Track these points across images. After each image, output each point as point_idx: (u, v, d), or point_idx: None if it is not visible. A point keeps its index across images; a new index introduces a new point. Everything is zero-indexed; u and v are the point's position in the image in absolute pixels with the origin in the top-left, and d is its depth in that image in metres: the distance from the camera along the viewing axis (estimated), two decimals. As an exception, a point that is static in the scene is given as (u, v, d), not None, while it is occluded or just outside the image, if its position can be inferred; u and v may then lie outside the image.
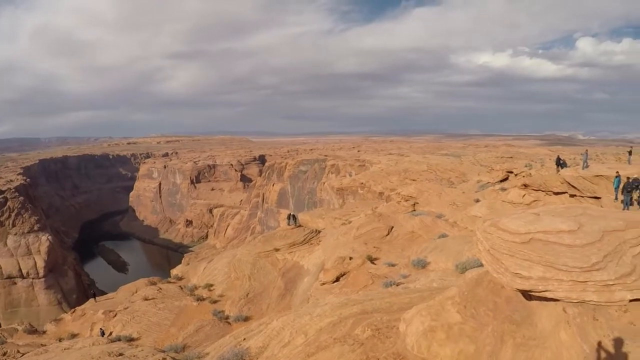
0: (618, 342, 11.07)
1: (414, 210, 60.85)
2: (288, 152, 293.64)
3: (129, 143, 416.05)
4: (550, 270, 11.76)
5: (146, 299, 53.33)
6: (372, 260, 41.09)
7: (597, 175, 42.56)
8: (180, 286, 60.29)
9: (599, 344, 11.17)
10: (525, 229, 12.89)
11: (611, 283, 11.56)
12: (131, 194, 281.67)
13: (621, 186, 34.56)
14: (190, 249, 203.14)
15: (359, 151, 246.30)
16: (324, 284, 39.91)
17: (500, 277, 12.79)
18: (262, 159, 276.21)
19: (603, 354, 10.98)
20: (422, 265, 35.07)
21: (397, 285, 29.54)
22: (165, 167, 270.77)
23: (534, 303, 12.91)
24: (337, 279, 39.38)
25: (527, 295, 12.82)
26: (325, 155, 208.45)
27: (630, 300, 11.71)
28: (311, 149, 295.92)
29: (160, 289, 58.57)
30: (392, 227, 49.45)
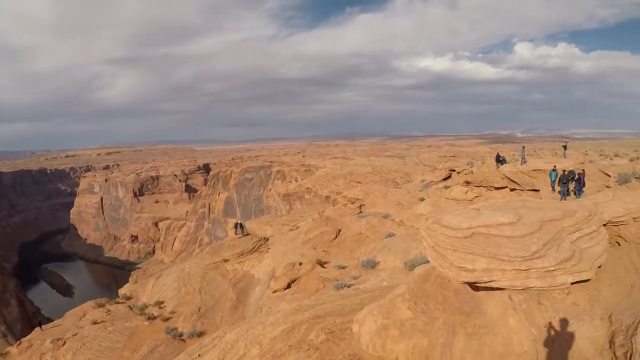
0: (563, 323, 11.72)
1: (361, 212, 61.43)
2: (233, 159, 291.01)
3: (67, 156, 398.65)
4: (494, 262, 12.26)
5: (95, 323, 51.30)
6: (321, 264, 41.23)
7: (535, 170, 44.04)
8: (129, 306, 58.26)
9: (546, 326, 11.73)
10: (467, 224, 13.42)
11: (552, 269, 12.13)
12: (72, 210, 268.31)
13: (557, 178, 35.96)
14: (138, 265, 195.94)
15: (304, 156, 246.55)
16: (275, 291, 39.78)
17: (446, 271, 13.21)
18: (206, 168, 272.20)
19: (551, 335, 11.54)
20: (371, 265, 35.41)
21: (348, 287, 29.73)
22: (106, 180, 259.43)
23: (481, 293, 13.31)
24: (289, 286, 39.32)
25: (474, 286, 13.20)
26: (271, 162, 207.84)
27: (572, 283, 12.40)
28: (256, 156, 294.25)
29: (109, 310, 56.58)
30: (340, 230, 49.78)
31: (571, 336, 11.40)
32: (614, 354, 10.55)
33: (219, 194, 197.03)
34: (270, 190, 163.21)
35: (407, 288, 15.78)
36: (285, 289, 39.21)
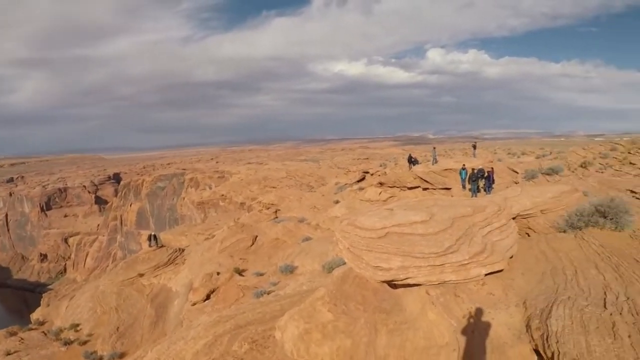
0: (481, 312, 12.21)
1: (277, 217, 61.45)
2: (144, 168, 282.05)
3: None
4: (408, 259, 12.66)
5: (9, 354, 47.77)
6: (240, 272, 40.81)
7: (446, 169, 45.71)
8: (43, 332, 54.65)
9: (464, 316, 12.18)
10: (380, 224, 13.82)
11: (466, 262, 12.65)
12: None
13: (468, 177, 37.43)
14: (49, 287, 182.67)
15: (217, 162, 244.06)
16: (194, 304, 38.90)
17: (363, 272, 13.48)
18: (117, 178, 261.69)
19: (470, 325, 11.97)
20: (290, 270, 35.38)
21: (268, 294, 29.48)
22: (10, 194, 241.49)
23: (400, 290, 13.54)
24: (208, 297, 38.59)
25: (392, 284, 13.44)
26: (184, 169, 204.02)
27: (486, 274, 13.00)
28: (168, 163, 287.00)
29: (22, 339, 52.99)
30: (257, 237, 49.49)
31: (489, 324, 11.83)
32: (532, 336, 11.01)
33: (130, 205, 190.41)
34: (183, 198, 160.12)
35: (326, 291, 15.80)
36: (205, 300, 38.45)
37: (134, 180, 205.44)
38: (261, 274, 38.44)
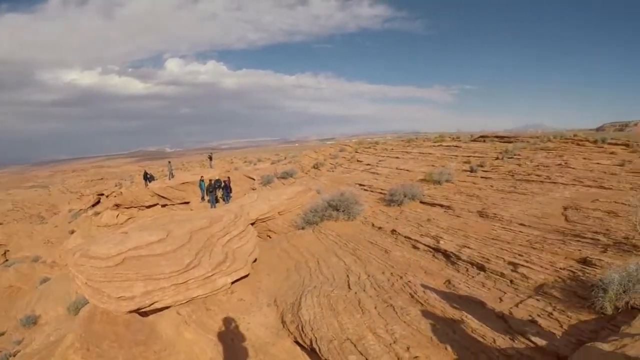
0: (236, 320, 12.47)
1: (7, 260, 55.75)
2: None
3: None
4: (151, 283, 12.38)
5: None
6: (-27, 337, 36.05)
7: (183, 183, 45.84)
8: None
9: (220, 328, 12.31)
10: (116, 250, 13.24)
11: (210, 274, 12.91)
12: None
13: (206, 188, 37.98)
14: None
15: None
16: None
17: (107, 305, 12.77)
18: None
19: (228, 334, 12.07)
20: (32, 321, 32.15)
21: (13, 357, 26.55)
22: None
23: (152, 317, 13.16)
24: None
25: (142, 312, 12.97)
26: None
27: (233, 282, 13.40)
28: None
29: None
30: (-14, 289, 44.15)
31: (246, 329, 12.09)
32: (289, 330, 11.54)
33: None
34: None
35: (75, 336, 14.64)
36: None
37: None
38: (1, 334, 34.35)
